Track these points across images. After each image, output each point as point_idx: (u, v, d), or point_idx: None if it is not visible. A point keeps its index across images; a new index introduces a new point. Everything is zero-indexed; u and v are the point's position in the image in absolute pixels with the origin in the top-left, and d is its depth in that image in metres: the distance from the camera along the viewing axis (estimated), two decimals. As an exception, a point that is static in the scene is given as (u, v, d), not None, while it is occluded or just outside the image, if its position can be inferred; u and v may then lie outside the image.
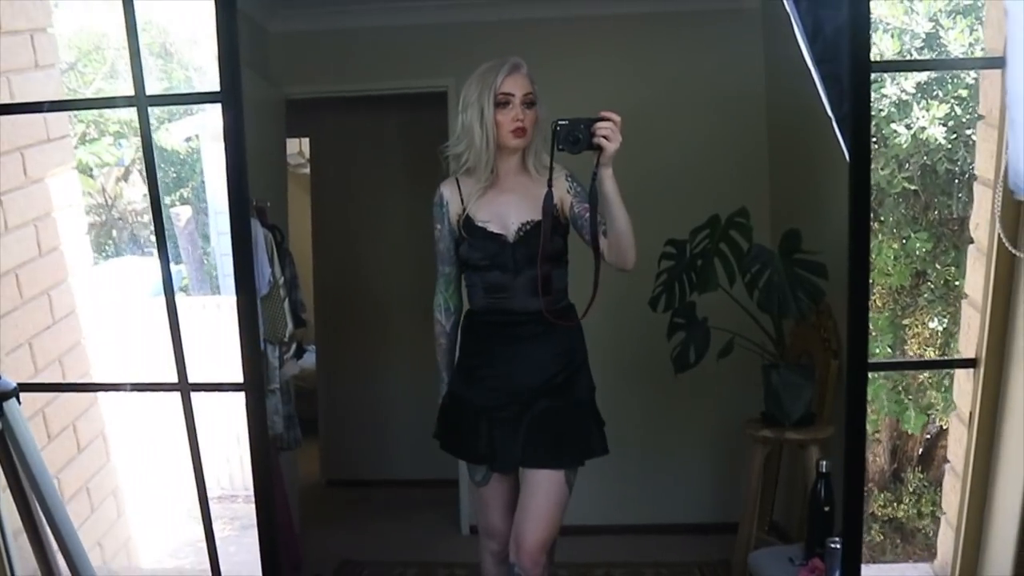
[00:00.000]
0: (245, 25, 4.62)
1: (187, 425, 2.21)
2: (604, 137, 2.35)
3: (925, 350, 4.95)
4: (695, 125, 4.42)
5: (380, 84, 4.90)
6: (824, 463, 3.00)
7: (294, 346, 3.52)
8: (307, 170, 6.74)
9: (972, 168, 2.41)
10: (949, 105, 3.93)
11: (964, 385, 2.43)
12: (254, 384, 1.96)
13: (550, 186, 2.51)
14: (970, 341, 2.35)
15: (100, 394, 3.12)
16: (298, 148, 7.29)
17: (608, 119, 2.36)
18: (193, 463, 2.26)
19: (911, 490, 5.68)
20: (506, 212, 2.67)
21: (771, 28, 4.49)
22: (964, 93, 3.94)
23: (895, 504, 5.73)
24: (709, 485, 4.62)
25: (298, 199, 6.60)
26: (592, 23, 4.59)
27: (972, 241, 2.31)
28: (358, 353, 5.82)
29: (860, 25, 1.38)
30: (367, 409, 5.83)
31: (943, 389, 4.65)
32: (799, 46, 1.74)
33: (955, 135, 4.01)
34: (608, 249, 2.54)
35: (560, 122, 2.38)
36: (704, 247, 3.49)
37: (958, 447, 2.48)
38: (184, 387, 2.21)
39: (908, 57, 3.85)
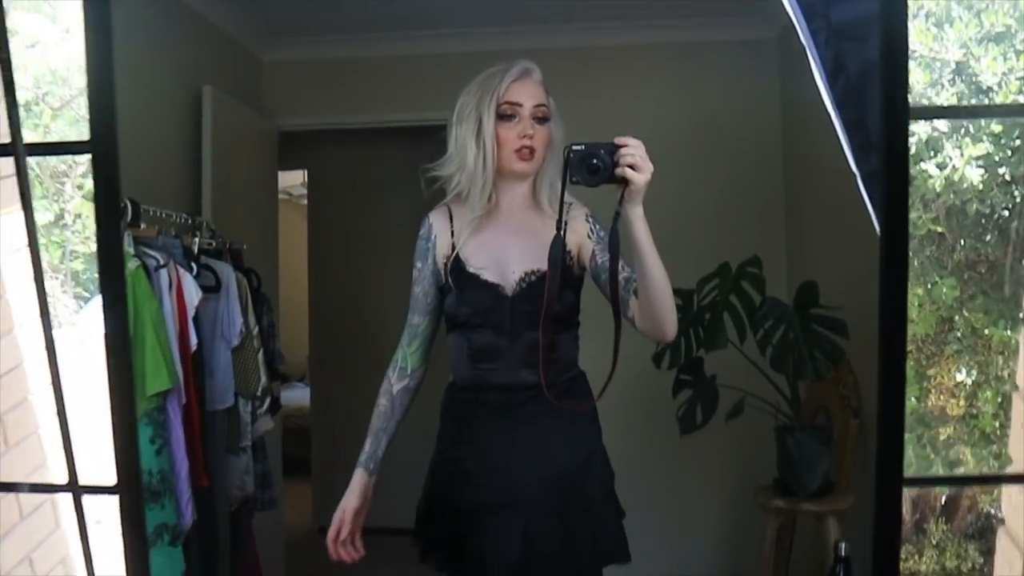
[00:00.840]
0: (237, 55, 4.50)
1: (79, 527, 1.84)
2: (631, 166, 1.78)
3: (948, 401, 4.67)
4: (704, 164, 4.20)
5: (378, 116, 4.70)
6: (843, 545, 2.70)
7: (268, 400, 3.25)
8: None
9: (1004, 208, 2.11)
10: (983, 143, 3.64)
11: (1016, 498, 2.02)
12: (129, 483, 1.39)
13: (560, 228, 1.91)
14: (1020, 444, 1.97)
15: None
16: (302, 179, 7.15)
17: (632, 144, 1.80)
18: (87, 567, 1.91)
19: (934, 543, 5.37)
20: (506, 257, 2.11)
21: (787, 60, 4.27)
22: (998, 128, 3.66)
23: (916, 557, 5.43)
24: (718, 554, 4.36)
25: (301, 230, 6.43)
26: (600, 54, 4.41)
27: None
28: (353, 390, 5.52)
29: (895, 62, 1.03)
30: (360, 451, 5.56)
31: (972, 443, 4.37)
32: (816, 84, 1.41)
33: (987, 173, 3.73)
34: (639, 314, 1.97)
35: (574, 147, 1.84)
36: (713, 299, 3.21)
37: (1007, 569, 2.15)
38: (75, 489, 1.83)
39: (941, 89, 3.53)
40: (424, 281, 2.17)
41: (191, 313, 2.68)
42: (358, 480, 2.21)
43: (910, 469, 4.52)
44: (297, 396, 7.27)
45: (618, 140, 1.80)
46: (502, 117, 2.06)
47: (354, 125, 4.79)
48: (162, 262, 2.58)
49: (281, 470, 4.72)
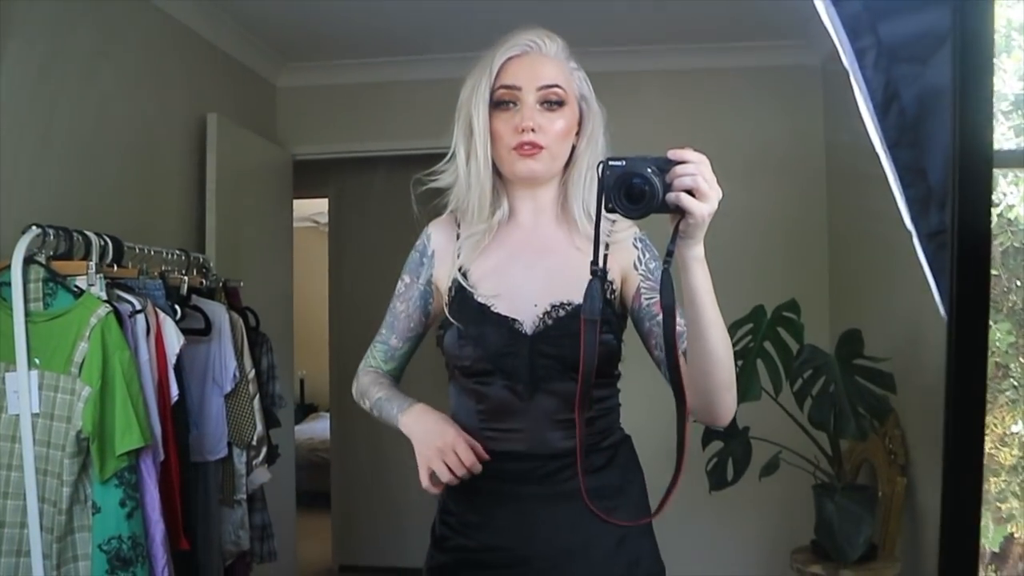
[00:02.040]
0: (248, 81, 4.32)
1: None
2: (689, 191, 1.28)
3: (1001, 451, 4.37)
4: (744, 199, 3.92)
5: (398, 143, 4.49)
6: (890, 627, 2.43)
7: (264, 450, 3.03)
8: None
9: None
10: (1038, 177, 3.37)
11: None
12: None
13: (597, 262, 1.37)
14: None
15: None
16: (327, 206, 7.00)
17: (688, 160, 1.29)
18: None
19: (985, 590, 5.06)
20: (526, 285, 1.63)
21: (832, 88, 4.03)
22: (1057, 163, 3.39)
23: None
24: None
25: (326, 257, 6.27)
26: (630, 79, 4.19)
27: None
28: (375, 422, 5.35)
29: (976, 93, 0.77)
30: (383, 487, 5.36)
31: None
32: (863, 117, 1.11)
33: (1043, 208, 3.46)
34: (688, 382, 1.42)
35: (612, 163, 1.31)
36: (746, 345, 2.94)
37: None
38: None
39: (998, 123, 3.23)
40: (410, 301, 1.74)
41: (172, 361, 2.46)
42: (419, 411, 1.64)
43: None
44: (323, 428, 7.06)
45: (673, 154, 1.30)
46: (497, 105, 1.61)
47: (371, 152, 4.59)
48: (138, 307, 2.36)
49: (295, 505, 4.54)
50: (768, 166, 4.11)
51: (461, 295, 1.63)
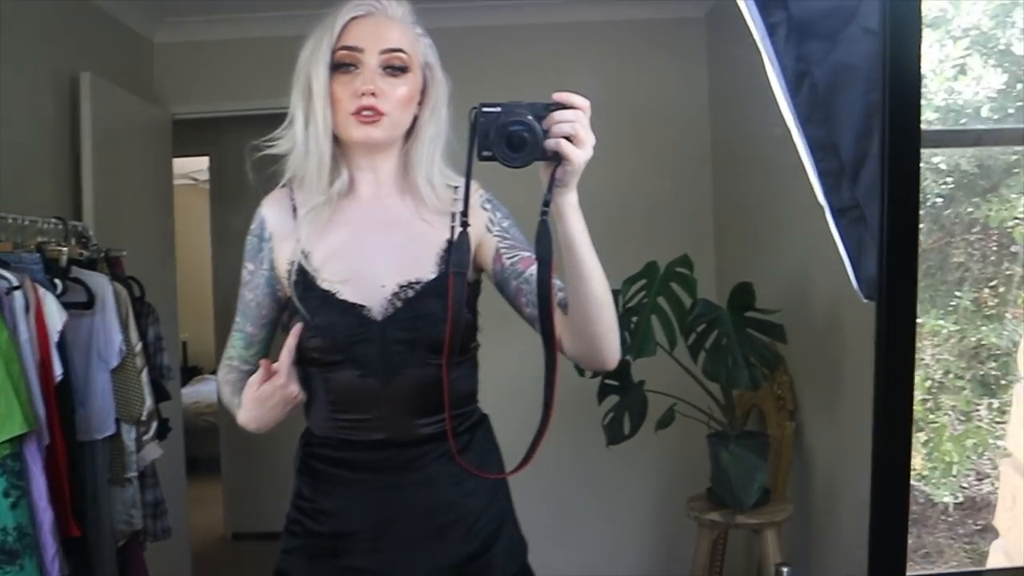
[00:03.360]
0: (123, 38, 4.11)
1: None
2: (567, 137, 1.26)
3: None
4: (629, 154, 3.94)
5: (279, 101, 4.29)
6: (787, 570, 2.50)
7: (154, 424, 2.93)
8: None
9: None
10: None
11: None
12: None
13: (467, 214, 1.35)
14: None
15: None
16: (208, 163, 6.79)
17: (572, 105, 1.28)
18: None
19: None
20: (372, 265, 1.57)
21: (716, 42, 4.06)
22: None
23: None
24: (650, 570, 4.17)
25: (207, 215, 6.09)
26: (513, 33, 4.15)
27: (1021, 379, 1.45)
28: (264, 383, 5.27)
29: (903, 66, 0.75)
30: (274, 451, 5.23)
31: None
32: (776, 93, 1.10)
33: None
34: (569, 335, 1.47)
35: (485, 108, 1.28)
36: (640, 301, 2.97)
37: None
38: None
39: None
40: (258, 289, 1.65)
41: (54, 338, 2.34)
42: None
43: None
44: (210, 391, 6.90)
45: (561, 97, 1.28)
46: (337, 67, 1.52)
47: (253, 111, 4.43)
48: (15, 283, 2.24)
49: (184, 476, 4.41)
50: (654, 121, 4.13)
51: (304, 281, 1.56)
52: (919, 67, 0.69)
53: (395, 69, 1.53)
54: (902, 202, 0.71)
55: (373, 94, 1.50)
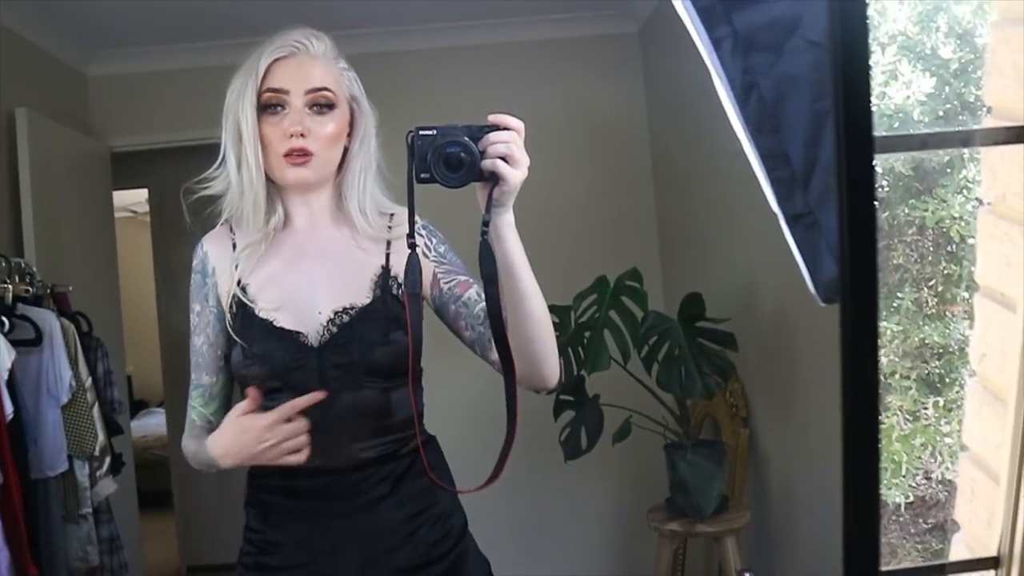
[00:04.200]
0: (57, 72, 4.06)
1: None
2: (502, 158, 1.30)
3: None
4: (569, 171, 3.99)
5: (218, 131, 4.29)
6: (748, 575, 2.54)
7: (108, 460, 2.90)
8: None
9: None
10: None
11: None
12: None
13: (413, 235, 1.37)
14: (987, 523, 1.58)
15: None
16: (147, 195, 6.72)
17: (507, 126, 1.32)
18: None
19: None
20: (307, 293, 1.59)
21: (651, 56, 4.12)
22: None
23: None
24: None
25: (148, 248, 6.03)
26: (450, 55, 4.17)
27: (974, 374, 1.41)
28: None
29: (854, 70, 0.76)
30: (226, 482, 5.16)
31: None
32: (726, 107, 1.13)
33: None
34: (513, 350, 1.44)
35: (422, 131, 1.31)
36: (591, 316, 3.00)
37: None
38: None
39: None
40: (208, 329, 1.64)
41: (3, 376, 2.32)
42: (215, 434, 1.52)
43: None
44: (158, 424, 6.81)
45: (496, 119, 1.32)
46: (264, 109, 1.54)
47: (191, 142, 4.40)
48: (-38, 322, 2.22)
49: (137, 510, 4.34)
50: (593, 138, 4.18)
51: (243, 311, 1.58)
52: (869, 73, 0.72)
53: (321, 107, 1.56)
54: (861, 205, 0.74)
55: (302, 135, 1.53)
